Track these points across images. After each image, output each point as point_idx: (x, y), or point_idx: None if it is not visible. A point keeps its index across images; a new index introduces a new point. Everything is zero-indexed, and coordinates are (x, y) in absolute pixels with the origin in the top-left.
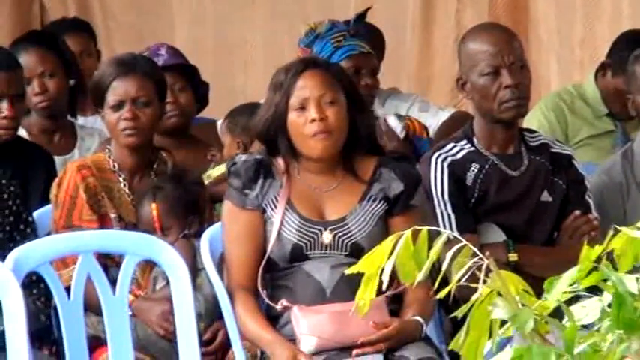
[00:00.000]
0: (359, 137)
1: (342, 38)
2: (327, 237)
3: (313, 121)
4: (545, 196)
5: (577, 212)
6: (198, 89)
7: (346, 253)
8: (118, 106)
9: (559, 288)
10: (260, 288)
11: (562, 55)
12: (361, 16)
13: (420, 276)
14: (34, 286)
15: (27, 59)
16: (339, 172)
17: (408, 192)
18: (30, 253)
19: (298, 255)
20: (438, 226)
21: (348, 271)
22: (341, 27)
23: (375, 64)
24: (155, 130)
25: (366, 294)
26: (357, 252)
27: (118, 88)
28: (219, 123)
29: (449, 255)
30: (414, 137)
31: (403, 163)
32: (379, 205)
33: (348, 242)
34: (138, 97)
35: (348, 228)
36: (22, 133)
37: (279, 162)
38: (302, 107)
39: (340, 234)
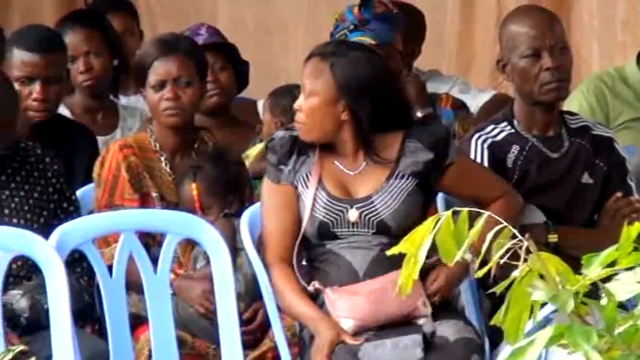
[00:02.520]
0: (362, 125)
1: (344, 34)
2: (352, 215)
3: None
4: (586, 178)
5: (618, 194)
6: (238, 68)
7: (373, 231)
8: (160, 85)
9: (597, 265)
10: (295, 267)
11: (604, 37)
12: (366, 3)
13: (459, 255)
14: (77, 264)
15: (72, 38)
16: (361, 154)
17: (439, 156)
18: (73, 232)
19: (326, 232)
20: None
21: (389, 252)
22: (347, 20)
23: (389, 51)
24: (196, 110)
25: (409, 274)
26: (383, 230)
27: (160, 68)
28: (259, 103)
29: (489, 236)
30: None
31: (428, 127)
32: (407, 181)
33: (374, 220)
34: (179, 77)
35: (375, 206)
36: (66, 112)
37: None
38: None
39: (366, 212)
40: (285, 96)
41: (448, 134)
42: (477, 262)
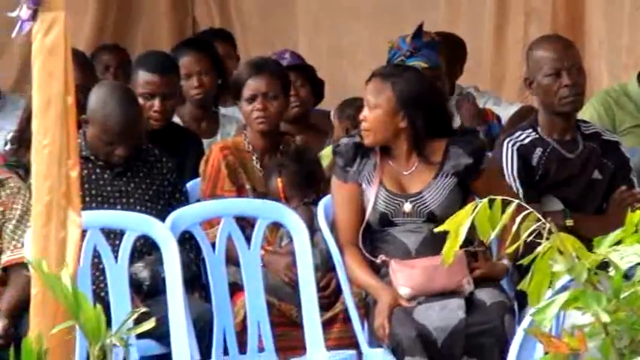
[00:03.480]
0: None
1: (402, 59)
2: (407, 207)
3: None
4: (597, 175)
5: (623, 187)
6: (315, 86)
7: (423, 219)
8: (252, 99)
9: (606, 244)
10: (361, 246)
11: (611, 61)
12: (417, 35)
13: (493, 234)
14: (187, 242)
15: (187, 60)
16: (414, 155)
17: (477, 161)
18: (184, 216)
19: (386, 221)
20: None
21: (437, 229)
22: (403, 49)
23: (436, 73)
24: (281, 118)
25: (451, 247)
26: (431, 218)
27: (252, 85)
28: (332, 113)
29: (518, 219)
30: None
31: (468, 136)
32: (450, 180)
33: (424, 211)
34: (267, 92)
35: (425, 199)
36: (177, 119)
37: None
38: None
39: (418, 204)
40: (350, 106)
41: (484, 145)
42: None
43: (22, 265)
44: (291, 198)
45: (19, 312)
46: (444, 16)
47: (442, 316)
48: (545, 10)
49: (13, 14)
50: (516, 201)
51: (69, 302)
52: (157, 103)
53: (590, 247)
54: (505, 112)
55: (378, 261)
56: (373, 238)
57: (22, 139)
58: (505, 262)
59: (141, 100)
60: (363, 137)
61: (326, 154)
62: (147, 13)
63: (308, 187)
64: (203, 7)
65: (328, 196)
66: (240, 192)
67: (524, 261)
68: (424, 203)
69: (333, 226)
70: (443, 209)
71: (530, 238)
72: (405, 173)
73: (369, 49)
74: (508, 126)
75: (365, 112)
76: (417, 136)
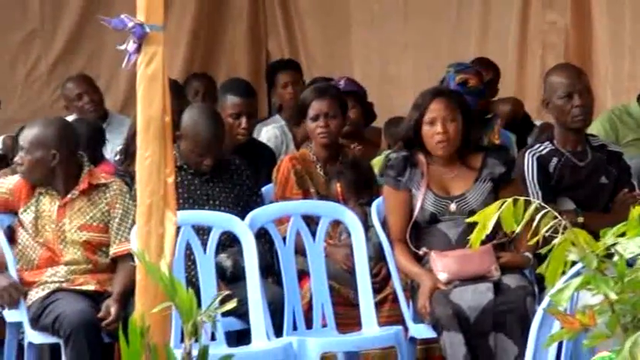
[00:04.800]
0: (470, 141)
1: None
2: (453, 207)
3: (439, 133)
4: (603, 180)
5: (625, 190)
6: (366, 107)
7: (465, 217)
8: (316, 118)
9: (611, 235)
10: (408, 240)
11: (614, 85)
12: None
13: (518, 228)
14: (262, 237)
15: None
16: (457, 163)
17: (508, 171)
18: (260, 215)
19: (434, 219)
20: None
21: (468, 220)
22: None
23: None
24: (340, 134)
25: (479, 235)
26: (472, 216)
27: (316, 106)
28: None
29: (538, 217)
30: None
31: (502, 151)
32: (488, 184)
33: (467, 210)
34: (328, 112)
35: (467, 200)
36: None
37: (421, 157)
38: (432, 123)
39: (462, 204)
40: (393, 124)
41: (514, 159)
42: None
43: (128, 256)
44: (349, 199)
45: (127, 296)
46: (474, 49)
47: (474, 297)
48: (559, 44)
49: (122, 47)
50: (537, 201)
51: (166, 287)
52: (243, 121)
53: (597, 239)
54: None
55: (421, 252)
56: (419, 233)
57: (128, 152)
58: (527, 254)
59: (229, 120)
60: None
61: (377, 163)
62: (228, 47)
63: (362, 190)
64: (275, 41)
65: (380, 198)
66: (306, 195)
67: (543, 250)
68: (467, 203)
69: (384, 224)
70: (482, 208)
71: (549, 232)
72: (449, 177)
73: (412, 76)
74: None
75: (438, 127)
76: (465, 146)
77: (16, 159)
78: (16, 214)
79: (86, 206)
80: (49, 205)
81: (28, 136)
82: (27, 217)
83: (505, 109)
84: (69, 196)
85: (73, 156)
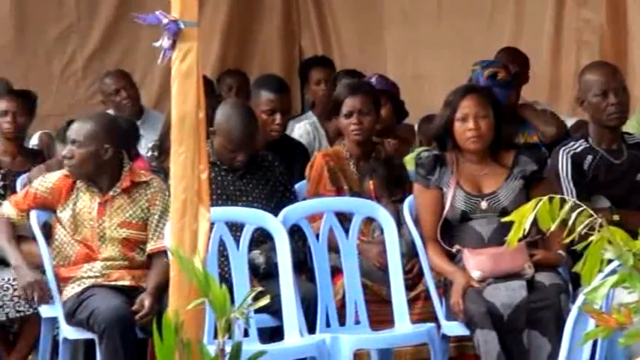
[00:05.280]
0: (502, 137)
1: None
2: (483, 205)
3: (470, 130)
4: (639, 177)
5: None
6: (398, 104)
7: (497, 215)
8: (349, 114)
9: None
10: (440, 238)
11: None
12: (492, 75)
13: (553, 225)
14: (295, 233)
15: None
16: (489, 161)
17: (540, 169)
18: (293, 212)
19: (465, 217)
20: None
21: (504, 219)
22: (479, 82)
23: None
24: (373, 131)
25: (516, 234)
26: (504, 214)
27: (349, 103)
28: (415, 126)
29: (574, 215)
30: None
31: (535, 149)
32: (519, 182)
33: (498, 207)
34: (362, 109)
35: (498, 198)
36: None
37: (449, 155)
38: (464, 119)
39: (493, 202)
40: (425, 122)
41: (546, 157)
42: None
43: (164, 253)
44: (381, 197)
45: (161, 290)
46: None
47: (507, 295)
48: (594, 42)
49: (157, 44)
50: (572, 199)
51: (200, 283)
52: (277, 117)
53: (634, 237)
54: None
55: (454, 250)
56: (451, 230)
57: (162, 148)
58: (561, 252)
59: (263, 116)
60: (465, 145)
61: (409, 161)
62: (261, 43)
63: (395, 187)
64: (308, 38)
65: (412, 196)
66: (339, 192)
67: (579, 247)
68: (498, 201)
69: (416, 221)
70: (513, 205)
71: (585, 230)
72: (480, 174)
73: (445, 74)
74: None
75: (470, 123)
76: (497, 143)
77: (65, 152)
78: (53, 211)
79: (126, 204)
80: (88, 202)
81: (81, 129)
82: (65, 215)
83: (549, 132)
84: (110, 193)
85: (119, 153)
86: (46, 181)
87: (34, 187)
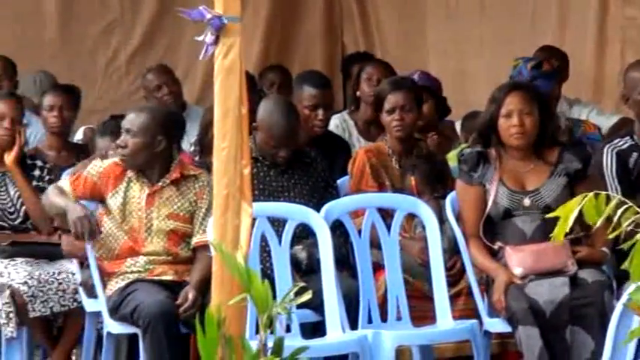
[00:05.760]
0: (546, 134)
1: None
2: (526, 202)
3: (515, 126)
4: None
5: None
6: (440, 101)
7: (540, 212)
8: (391, 111)
9: None
10: (482, 235)
11: None
12: (537, 65)
13: (599, 221)
14: (337, 229)
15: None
16: (533, 157)
17: (584, 167)
18: (335, 207)
19: (507, 214)
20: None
21: (548, 216)
22: (523, 73)
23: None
24: (415, 127)
25: (561, 230)
26: (547, 211)
27: (392, 99)
28: (457, 123)
29: (619, 212)
30: (583, 135)
31: (579, 147)
32: (563, 179)
33: (541, 205)
34: (404, 105)
35: (542, 195)
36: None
37: (493, 152)
38: (508, 115)
39: (536, 199)
40: (469, 118)
41: (591, 155)
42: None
43: (208, 247)
44: (423, 193)
45: (205, 286)
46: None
47: (550, 291)
48: (639, 40)
49: (200, 39)
50: (618, 196)
51: (242, 278)
52: (320, 113)
53: None
54: (607, 122)
55: (496, 247)
56: (494, 227)
57: (203, 144)
58: (605, 249)
59: (306, 112)
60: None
61: (451, 157)
62: (304, 39)
63: (437, 184)
64: (351, 34)
65: (454, 192)
66: (381, 187)
67: (625, 246)
68: (541, 198)
69: (458, 218)
70: (557, 203)
71: (630, 227)
72: (523, 171)
73: (488, 71)
74: (609, 133)
75: (514, 120)
76: (541, 140)
77: (119, 142)
78: (100, 201)
79: (175, 196)
80: (138, 192)
81: (136, 119)
82: (115, 201)
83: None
84: (159, 184)
85: (171, 145)
86: (97, 165)
87: (86, 171)
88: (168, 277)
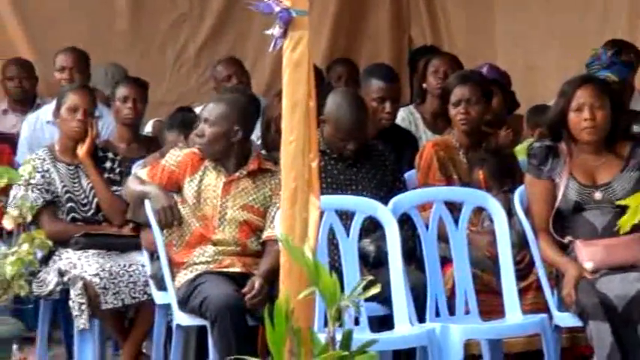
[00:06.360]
0: (618, 128)
1: (596, 69)
2: (598, 195)
3: (586, 120)
4: None
5: None
6: (508, 94)
7: (612, 206)
8: (457, 104)
9: None
10: (552, 229)
11: None
12: (617, 52)
13: None
14: (405, 222)
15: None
16: (604, 151)
17: None
18: (402, 201)
19: (578, 208)
20: None
21: (619, 201)
22: (602, 59)
23: (623, 87)
24: (481, 121)
25: (630, 218)
26: (619, 206)
27: (458, 92)
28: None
29: None
30: None
31: None
32: (635, 173)
33: (613, 199)
34: (470, 98)
35: (613, 189)
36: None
37: (562, 146)
38: (579, 109)
39: (607, 193)
40: (537, 112)
41: None
42: None
43: (277, 241)
44: (491, 187)
45: (273, 278)
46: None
47: (622, 286)
48: None
49: (268, 32)
50: None
51: (310, 271)
52: (388, 106)
53: None
54: None
55: (566, 241)
56: (563, 221)
57: (266, 140)
58: None
59: (373, 104)
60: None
61: (520, 151)
62: (371, 32)
63: (505, 177)
64: (418, 27)
65: (522, 186)
66: (448, 181)
67: None
68: (613, 192)
69: (527, 212)
70: (628, 196)
71: None
72: (594, 165)
73: (558, 65)
74: None
75: (585, 114)
76: (613, 134)
77: (196, 131)
78: (177, 189)
79: (250, 187)
80: (214, 180)
81: (214, 109)
82: (191, 188)
83: None
84: (237, 174)
85: (248, 136)
86: (175, 154)
87: (164, 160)
88: (237, 269)
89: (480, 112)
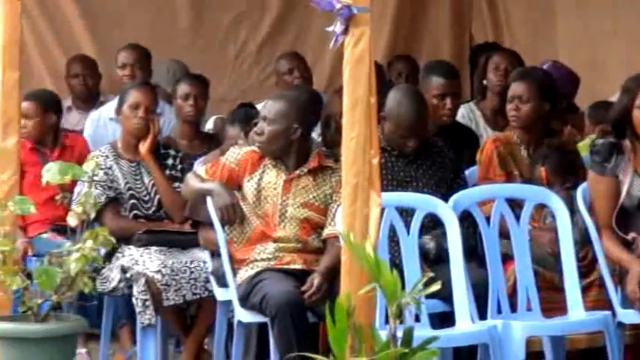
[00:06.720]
0: None
1: None
2: None
3: None
4: None
5: None
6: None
7: None
8: (510, 100)
9: None
10: (615, 226)
11: None
12: None
13: None
14: (466, 219)
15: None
16: None
17: None
18: (463, 198)
19: None
20: None
21: None
22: None
23: None
24: (534, 118)
25: None
26: None
27: (513, 88)
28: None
29: None
30: None
31: None
32: None
33: None
34: (521, 96)
35: None
36: None
37: (627, 143)
38: None
39: None
40: (598, 109)
41: None
42: None
43: (337, 238)
44: (554, 183)
45: (333, 275)
46: None
47: None
48: None
49: (330, 29)
50: None
51: (371, 268)
52: (448, 102)
53: None
54: None
55: (629, 238)
56: (627, 218)
57: (325, 138)
58: None
59: (434, 101)
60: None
61: (583, 147)
62: (431, 28)
63: (568, 174)
64: (479, 23)
65: (585, 183)
66: (509, 177)
67: None
68: None
69: (590, 208)
70: None
71: None
72: None
73: (621, 62)
74: None
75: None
76: None
77: (256, 129)
78: (237, 187)
79: (311, 185)
80: (274, 178)
81: (273, 107)
82: (250, 186)
83: None
84: (297, 172)
85: (309, 134)
86: (235, 152)
87: (224, 158)
88: (297, 266)
89: (532, 110)
